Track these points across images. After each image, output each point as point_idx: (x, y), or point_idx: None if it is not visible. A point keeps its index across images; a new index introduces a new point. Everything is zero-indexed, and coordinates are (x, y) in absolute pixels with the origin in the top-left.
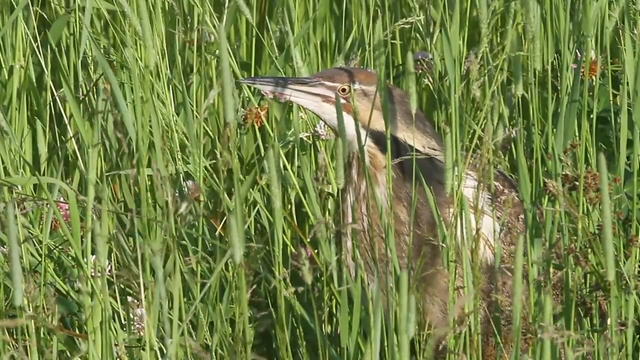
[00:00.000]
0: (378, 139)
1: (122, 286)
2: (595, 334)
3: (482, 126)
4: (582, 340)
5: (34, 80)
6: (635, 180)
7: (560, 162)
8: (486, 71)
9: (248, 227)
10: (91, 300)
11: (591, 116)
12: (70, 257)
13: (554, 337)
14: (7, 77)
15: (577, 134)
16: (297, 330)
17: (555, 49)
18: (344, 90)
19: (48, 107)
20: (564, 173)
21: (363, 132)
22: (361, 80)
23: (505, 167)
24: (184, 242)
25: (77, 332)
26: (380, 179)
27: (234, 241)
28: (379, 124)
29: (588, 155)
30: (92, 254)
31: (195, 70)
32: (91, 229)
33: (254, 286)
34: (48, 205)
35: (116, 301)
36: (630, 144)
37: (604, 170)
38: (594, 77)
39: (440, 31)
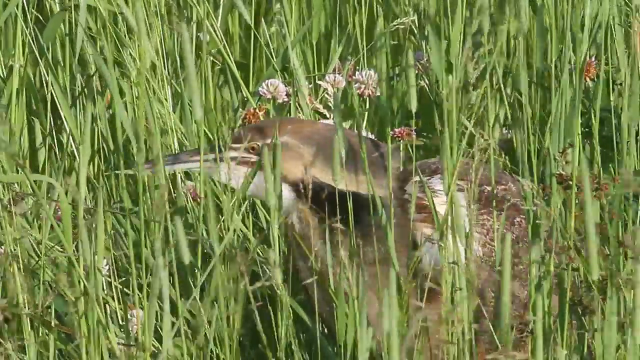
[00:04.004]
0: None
1: (121, 286)
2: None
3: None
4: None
5: (32, 79)
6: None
7: (555, 162)
8: (473, 68)
9: (247, 226)
10: (85, 300)
11: (587, 116)
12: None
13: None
14: (4, 76)
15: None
16: (290, 329)
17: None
18: (253, 148)
19: (46, 105)
20: (558, 172)
21: (287, 189)
22: (271, 134)
23: (504, 166)
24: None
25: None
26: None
27: (180, 242)
28: (299, 173)
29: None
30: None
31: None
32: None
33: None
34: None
35: (114, 301)
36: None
37: (585, 171)
38: (589, 78)
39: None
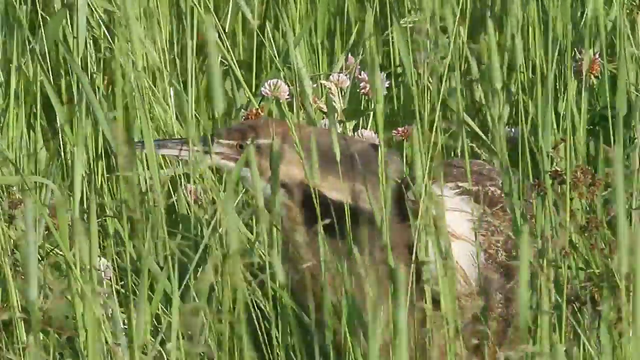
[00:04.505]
0: (292, 192)
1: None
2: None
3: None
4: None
5: (32, 80)
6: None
7: (548, 158)
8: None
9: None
10: (82, 301)
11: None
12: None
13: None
14: (3, 78)
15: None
16: (289, 328)
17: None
18: (241, 147)
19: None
20: (553, 169)
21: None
22: (260, 134)
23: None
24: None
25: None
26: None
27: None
28: (289, 176)
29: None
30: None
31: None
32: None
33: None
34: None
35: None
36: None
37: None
38: (593, 75)
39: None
